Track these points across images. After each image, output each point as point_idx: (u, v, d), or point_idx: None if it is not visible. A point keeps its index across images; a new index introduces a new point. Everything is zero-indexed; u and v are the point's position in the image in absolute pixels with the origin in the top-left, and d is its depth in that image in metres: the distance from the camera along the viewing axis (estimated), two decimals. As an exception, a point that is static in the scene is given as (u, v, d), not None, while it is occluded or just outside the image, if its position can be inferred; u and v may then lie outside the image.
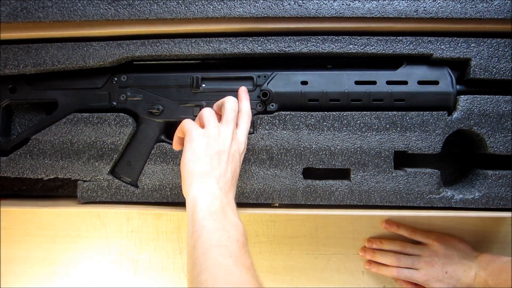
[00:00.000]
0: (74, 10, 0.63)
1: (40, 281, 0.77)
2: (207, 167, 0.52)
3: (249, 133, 0.64)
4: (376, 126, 0.64)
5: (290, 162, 0.65)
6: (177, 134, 0.58)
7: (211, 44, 0.64)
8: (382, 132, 0.64)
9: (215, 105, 0.60)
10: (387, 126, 0.64)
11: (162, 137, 0.67)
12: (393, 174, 0.64)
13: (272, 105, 0.65)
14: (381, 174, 0.64)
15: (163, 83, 0.66)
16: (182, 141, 0.57)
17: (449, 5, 0.62)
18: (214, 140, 0.54)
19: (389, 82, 0.64)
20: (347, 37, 0.64)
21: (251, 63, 0.67)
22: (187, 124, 0.56)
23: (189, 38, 0.65)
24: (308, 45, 0.64)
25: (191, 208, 0.50)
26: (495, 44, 0.63)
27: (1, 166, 0.67)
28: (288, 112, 0.65)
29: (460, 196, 0.64)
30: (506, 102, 0.63)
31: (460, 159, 0.73)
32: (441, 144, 0.64)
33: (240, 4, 0.63)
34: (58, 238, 0.76)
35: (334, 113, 0.64)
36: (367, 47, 0.64)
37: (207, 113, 0.57)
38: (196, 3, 0.63)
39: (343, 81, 0.64)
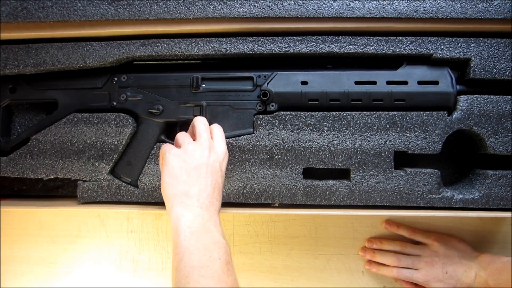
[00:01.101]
0: (74, 10, 0.63)
1: (40, 281, 0.77)
2: (185, 186, 0.53)
3: (249, 133, 0.65)
4: (376, 126, 0.64)
5: (290, 162, 0.65)
6: (160, 162, 0.58)
7: (211, 44, 0.64)
8: (382, 132, 0.64)
9: (188, 131, 0.61)
10: (387, 126, 0.64)
11: (162, 137, 0.67)
12: (393, 174, 0.64)
13: (272, 105, 0.65)
14: (381, 174, 0.64)
15: (163, 83, 0.66)
16: None
17: (449, 5, 0.62)
18: (190, 156, 0.54)
19: (389, 82, 0.64)
20: (347, 37, 0.64)
21: (251, 63, 0.67)
22: (163, 148, 0.57)
23: (189, 38, 0.65)
24: (308, 45, 0.64)
25: (174, 229, 0.51)
26: (495, 44, 0.63)
27: (1, 166, 0.67)
28: (288, 112, 0.65)
29: (460, 196, 0.64)
30: (506, 102, 0.63)
31: (460, 159, 0.73)
32: (441, 144, 0.64)
33: (240, 4, 0.63)
34: (58, 238, 0.76)
35: (334, 113, 0.64)
36: (367, 47, 0.64)
37: (180, 135, 0.58)
38: (196, 3, 0.63)
39: (343, 81, 0.64)
